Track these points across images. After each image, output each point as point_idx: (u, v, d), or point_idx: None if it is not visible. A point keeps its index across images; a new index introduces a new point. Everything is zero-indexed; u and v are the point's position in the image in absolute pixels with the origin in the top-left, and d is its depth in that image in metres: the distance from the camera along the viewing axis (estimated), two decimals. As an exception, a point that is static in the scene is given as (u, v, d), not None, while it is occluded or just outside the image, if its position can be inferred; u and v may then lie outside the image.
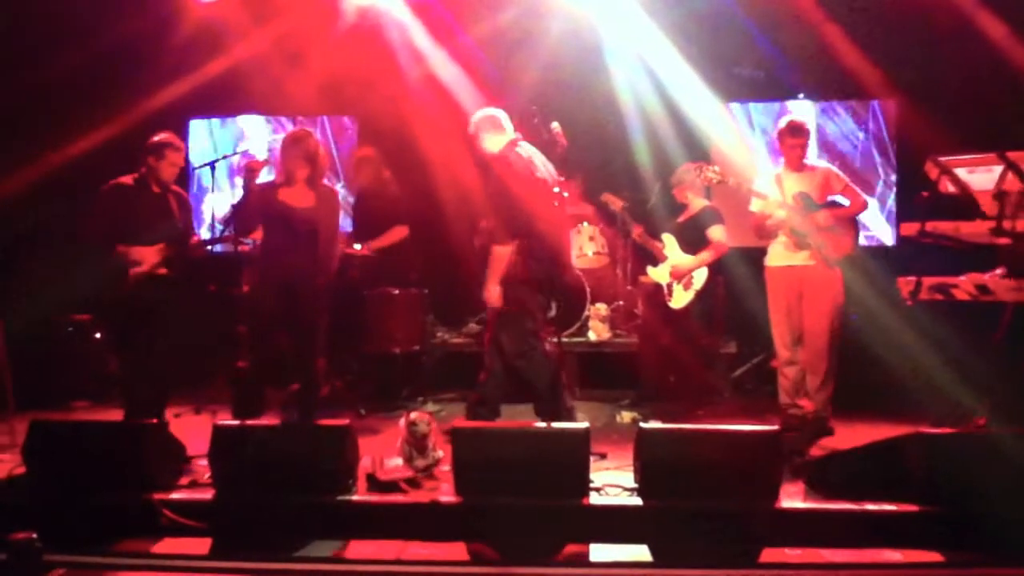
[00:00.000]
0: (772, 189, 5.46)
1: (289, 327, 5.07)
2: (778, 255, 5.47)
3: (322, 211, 5.09)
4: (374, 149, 6.93)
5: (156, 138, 5.23)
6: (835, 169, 5.63)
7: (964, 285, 4.73)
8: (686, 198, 6.25)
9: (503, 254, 4.73)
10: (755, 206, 5.50)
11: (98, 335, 6.87)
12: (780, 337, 5.46)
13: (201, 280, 5.70)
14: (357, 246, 6.34)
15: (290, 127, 8.06)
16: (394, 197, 6.64)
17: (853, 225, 5.43)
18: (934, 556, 3.72)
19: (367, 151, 6.91)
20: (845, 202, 5.47)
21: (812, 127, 6.17)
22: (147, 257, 5.10)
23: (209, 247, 5.55)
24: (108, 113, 7.03)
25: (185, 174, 6.27)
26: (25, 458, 4.22)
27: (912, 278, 4.83)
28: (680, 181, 6.23)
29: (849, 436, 5.18)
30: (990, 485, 3.78)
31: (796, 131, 5.45)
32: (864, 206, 5.49)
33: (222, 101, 8.07)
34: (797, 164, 5.48)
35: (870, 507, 3.86)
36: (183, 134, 8.08)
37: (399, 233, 6.51)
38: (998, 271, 4.77)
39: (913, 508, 3.83)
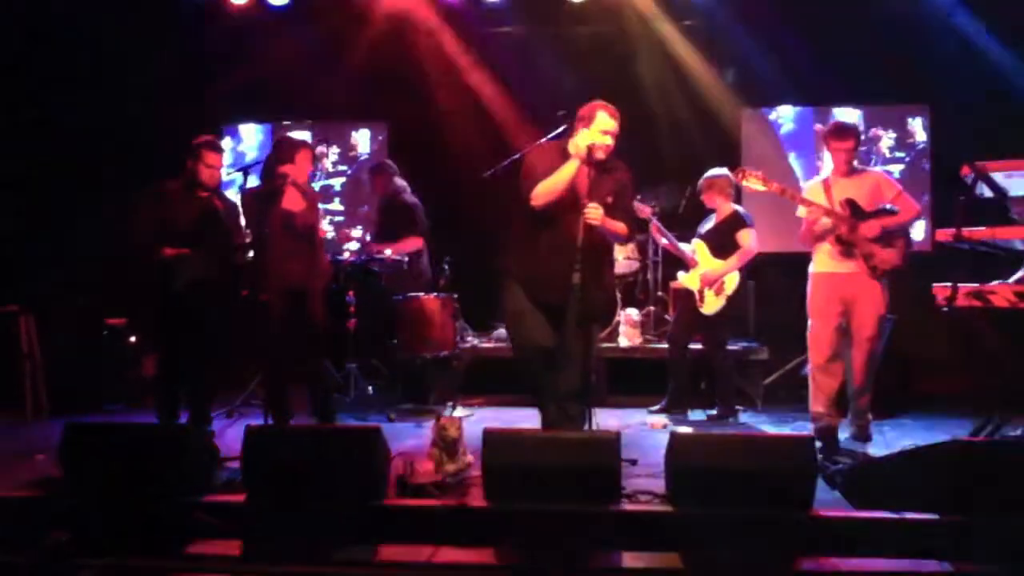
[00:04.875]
0: (819, 195, 5.17)
1: (298, 331, 5.10)
2: (823, 262, 5.19)
3: (313, 214, 5.21)
4: (388, 160, 7.03)
5: (195, 140, 5.27)
6: (886, 174, 5.32)
7: (1002, 291, 4.66)
8: (715, 203, 6.21)
9: None
10: (802, 212, 5.24)
11: (132, 339, 6.94)
12: (818, 345, 5.16)
13: (237, 285, 5.74)
14: (388, 251, 6.39)
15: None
16: (409, 206, 6.69)
17: (904, 236, 5.12)
18: (973, 566, 3.65)
19: (382, 161, 7.01)
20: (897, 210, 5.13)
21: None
22: (192, 261, 5.15)
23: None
24: (146, 116, 7.13)
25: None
26: (60, 460, 4.27)
27: (948, 284, 4.76)
28: (710, 186, 6.18)
29: (886, 444, 5.11)
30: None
31: (842, 133, 5.17)
32: (917, 214, 5.18)
33: (254, 106, 8.16)
34: (845, 169, 5.17)
35: (909, 516, 3.79)
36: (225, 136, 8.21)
37: (412, 244, 6.60)
38: (1020, 274, 4.70)
39: (954, 517, 3.76)
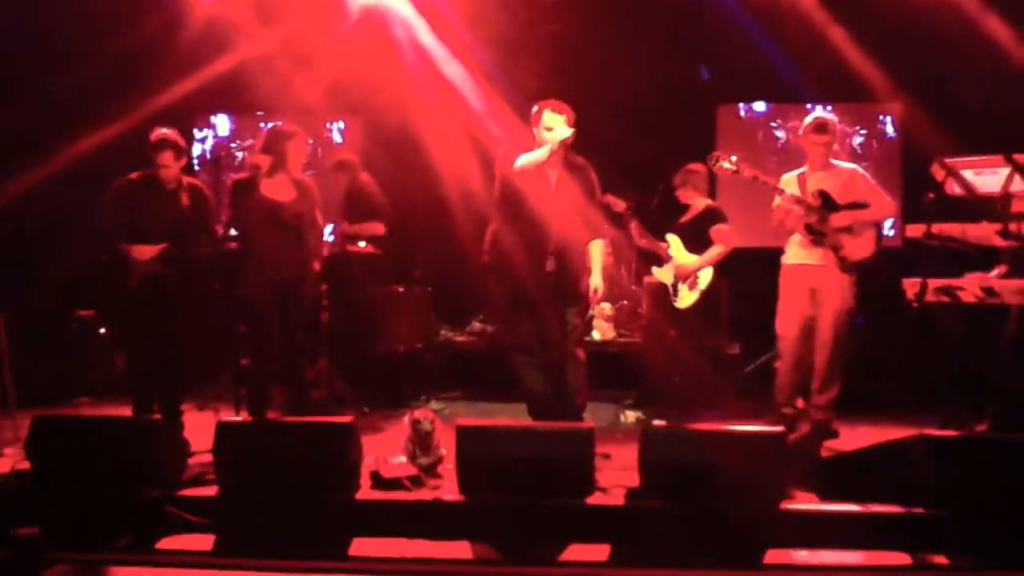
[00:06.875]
0: (794, 188, 5.30)
1: (286, 324, 5.06)
2: (794, 254, 5.34)
3: (305, 203, 5.13)
4: (351, 153, 7.00)
5: (152, 136, 5.21)
6: (861, 170, 5.41)
7: (970, 287, 4.72)
8: (690, 198, 6.23)
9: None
10: (777, 202, 5.33)
11: (102, 331, 6.86)
12: (785, 335, 5.32)
13: (206, 278, 5.69)
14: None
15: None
16: (374, 198, 6.67)
17: (874, 230, 5.22)
18: (939, 559, 3.70)
19: (344, 155, 6.97)
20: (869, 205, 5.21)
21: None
22: (148, 255, 5.10)
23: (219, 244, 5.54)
24: (116, 109, 7.04)
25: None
26: (28, 454, 4.22)
27: (917, 280, 4.82)
28: (684, 181, 6.21)
29: (854, 438, 5.16)
30: (994, 488, 3.77)
31: (821, 128, 5.30)
32: (889, 210, 5.32)
33: (228, 100, 8.08)
34: (821, 163, 5.31)
35: (876, 509, 3.84)
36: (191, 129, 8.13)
37: (374, 228, 6.55)
38: (998, 269, 4.77)
39: (919, 511, 3.81)
